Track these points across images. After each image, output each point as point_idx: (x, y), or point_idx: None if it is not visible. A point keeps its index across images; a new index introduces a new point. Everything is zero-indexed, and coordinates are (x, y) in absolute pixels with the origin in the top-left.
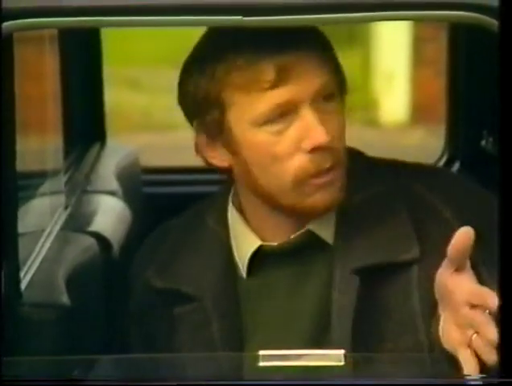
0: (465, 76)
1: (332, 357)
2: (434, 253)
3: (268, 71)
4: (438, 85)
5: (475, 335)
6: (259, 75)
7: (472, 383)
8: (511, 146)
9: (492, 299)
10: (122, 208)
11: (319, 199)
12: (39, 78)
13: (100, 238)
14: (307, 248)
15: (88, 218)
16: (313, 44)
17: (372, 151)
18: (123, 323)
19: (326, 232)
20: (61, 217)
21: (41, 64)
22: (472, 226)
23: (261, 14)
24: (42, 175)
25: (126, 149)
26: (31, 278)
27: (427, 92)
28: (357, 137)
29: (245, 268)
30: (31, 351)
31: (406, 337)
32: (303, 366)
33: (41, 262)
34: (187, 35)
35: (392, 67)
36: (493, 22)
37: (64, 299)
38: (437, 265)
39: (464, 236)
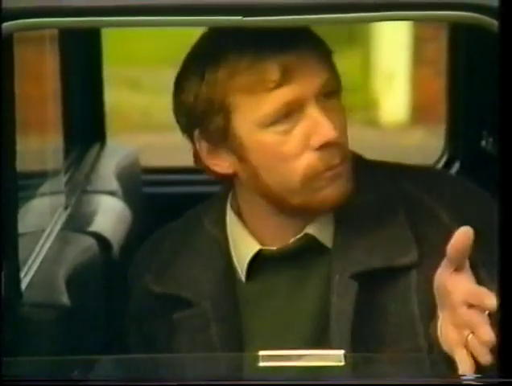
0: (465, 76)
1: (332, 357)
2: (432, 257)
3: (273, 71)
4: (438, 85)
5: (471, 336)
6: (264, 75)
7: (472, 383)
8: (511, 146)
9: (489, 300)
10: (122, 208)
11: (329, 192)
12: (39, 78)
13: (100, 238)
14: (306, 252)
15: (88, 218)
16: (312, 43)
17: (372, 151)
18: (123, 323)
19: (325, 235)
20: (61, 217)
21: (41, 64)
22: (472, 228)
23: (261, 14)
24: (42, 175)
25: (126, 150)
26: (31, 278)
27: (427, 92)
28: (357, 137)
29: (244, 273)
30: (31, 351)
31: (405, 341)
32: (303, 366)
33: (41, 262)
34: (188, 35)
35: (392, 67)
36: (492, 22)
37: (64, 299)
38: (436, 269)
39: (463, 235)
